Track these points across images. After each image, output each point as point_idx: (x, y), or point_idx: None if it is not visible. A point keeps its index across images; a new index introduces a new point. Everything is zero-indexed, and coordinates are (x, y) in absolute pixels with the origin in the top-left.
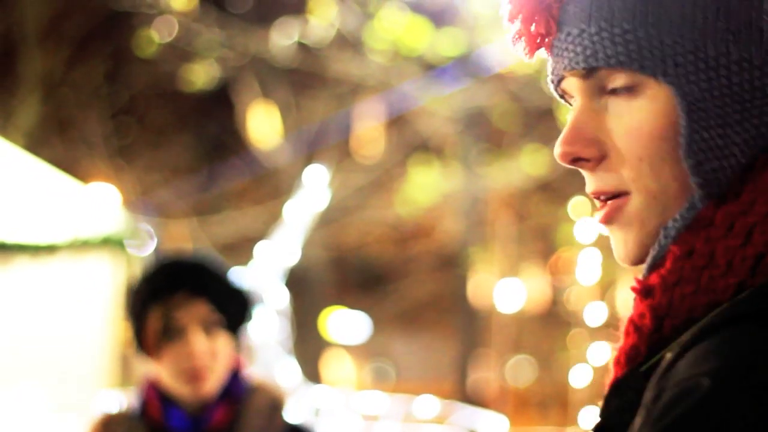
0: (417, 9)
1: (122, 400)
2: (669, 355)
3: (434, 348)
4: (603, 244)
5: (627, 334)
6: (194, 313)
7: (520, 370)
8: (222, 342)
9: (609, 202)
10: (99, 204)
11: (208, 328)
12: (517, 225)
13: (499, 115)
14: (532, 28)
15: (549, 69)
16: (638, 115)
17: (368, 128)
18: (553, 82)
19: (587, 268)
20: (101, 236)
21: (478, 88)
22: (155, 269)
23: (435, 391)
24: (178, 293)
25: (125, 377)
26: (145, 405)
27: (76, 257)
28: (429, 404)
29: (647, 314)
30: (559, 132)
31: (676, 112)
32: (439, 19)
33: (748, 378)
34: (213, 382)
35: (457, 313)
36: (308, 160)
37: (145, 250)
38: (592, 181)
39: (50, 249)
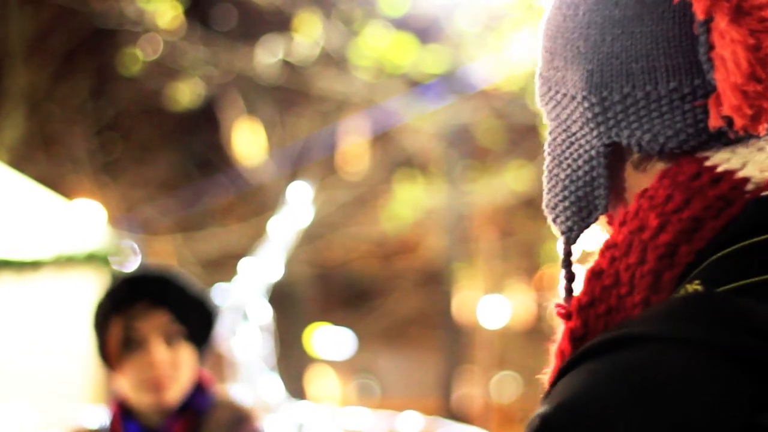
0: (401, 26)
1: (104, 417)
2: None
3: (419, 364)
4: (586, 260)
5: (553, 358)
6: (155, 323)
7: (504, 387)
8: (184, 353)
9: None
10: (83, 220)
11: (169, 339)
12: (501, 241)
13: (484, 132)
14: None
15: None
16: None
17: (353, 145)
18: None
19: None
20: (86, 252)
21: (462, 105)
22: (118, 282)
23: (420, 407)
24: (138, 304)
25: (109, 393)
26: (111, 421)
27: (60, 273)
28: (413, 420)
29: (566, 337)
30: (543, 148)
31: None
32: (423, 36)
33: (570, 423)
34: (175, 392)
35: (442, 330)
36: (293, 176)
37: (129, 267)
38: None
39: (35, 265)
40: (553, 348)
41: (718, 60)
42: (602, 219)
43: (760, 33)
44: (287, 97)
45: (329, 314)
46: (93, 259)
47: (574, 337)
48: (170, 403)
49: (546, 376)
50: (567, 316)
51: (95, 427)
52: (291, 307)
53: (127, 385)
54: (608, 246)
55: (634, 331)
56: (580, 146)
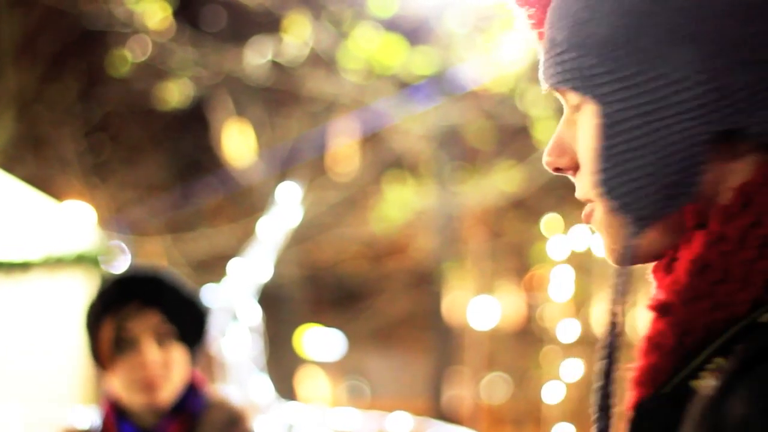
0: (391, 27)
1: (94, 417)
2: (709, 382)
3: (409, 365)
4: (576, 261)
5: (646, 353)
6: (146, 323)
7: (494, 388)
8: (176, 353)
9: (586, 207)
10: (73, 221)
11: (161, 339)
12: (491, 242)
13: (473, 133)
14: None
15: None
16: (584, 131)
17: (342, 146)
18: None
19: (560, 285)
20: (75, 254)
21: (452, 106)
22: (109, 282)
23: (410, 408)
24: (129, 304)
25: (100, 393)
26: (104, 421)
27: (49, 275)
28: (402, 421)
29: (668, 332)
30: (532, 149)
31: (600, 130)
32: (412, 37)
33: None
34: (167, 392)
35: (432, 330)
36: (282, 177)
37: (119, 268)
38: (576, 189)
39: (24, 266)
40: (646, 343)
41: None
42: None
43: None
44: (276, 98)
45: (319, 315)
46: (82, 260)
47: (679, 332)
48: (162, 404)
49: (632, 371)
50: (664, 311)
51: (86, 427)
52: (281, 308)
53: (119, 385)
54: (715, 240)
55: None
56: (684, 130)
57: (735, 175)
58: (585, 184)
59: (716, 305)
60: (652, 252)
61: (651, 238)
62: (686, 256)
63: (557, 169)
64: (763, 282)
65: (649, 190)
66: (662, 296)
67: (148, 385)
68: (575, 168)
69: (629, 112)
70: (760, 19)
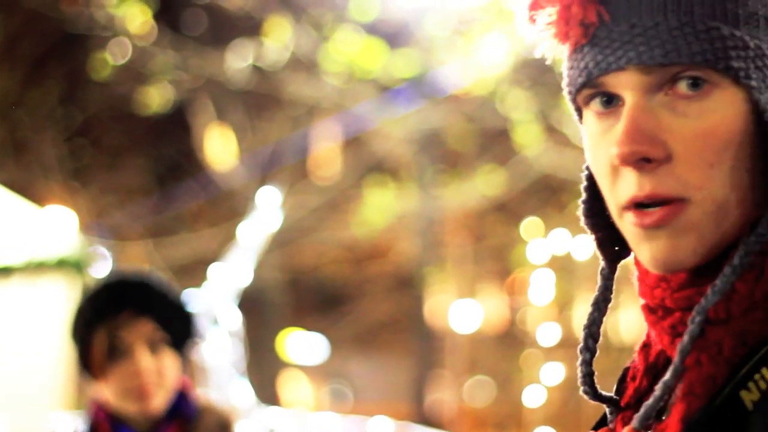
0: (371, 31)
1: (75, 423)
2: None
3: (391, 369)
4: (556, 264)
5: (698, 363)
6: (139, 331)
7: (477, 391)
8: (168, 360)
9: (662, 206)
10: (54, 226)
11: (153, 347)
12: (472, 245)
13: (454, 136)
14: (574, 16)
15: (584, 62)
16: (712, 118)
17: (324, 149)
18: (582, 77)
19: (541, 289)
20: (56, 258)
21: (432, 110)
22: (98, 289)
23: (392, 411)
24: (122, 313)
25: (80, 400)
26: (94, 427)
27: (30, 280)
28: (384, 425)
29: (726, 342)
30: (513, 152)
31: (752, 118)
32: (393, 40)
33: None
34: (160, 399)
35: (414, 334)
36: (264, 181)
37: (100, 273)
38: (647, 184)
39: (5, 271)
40: (698, 353)
41: None
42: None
43: None
44: (257, 101)
45: (301, 319)
46: (64, 265)
47: (739, 342)
48: (156, 411)
49: (701, 377)
50: (723, 320)
51: None
52: (262, 312)
53: (111, 393)
54: None
55: None
56: None
57: None
58: (681, 178)
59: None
60: (714, 254)
61: (726, 238)
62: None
63: (640, 161)
64: None
65: None
66: (721, 305)
67: (142, 394)
68: (662, 160)
69: None
70: None
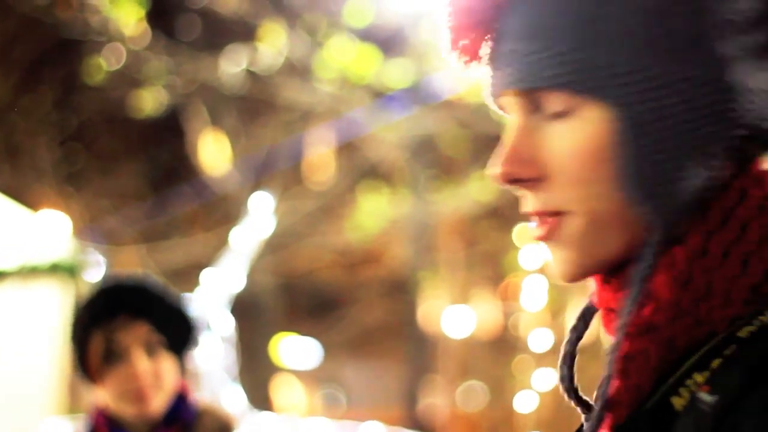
0: (366, 37)
1: (70, 428)
2: (705, 397)
3: (385, 373)
4: (549, 270)
5: (625, 372)
6: (135, 334)
7: (470, 396)
8: (165, 363)
9: (549, 220)
10: (48, 231)
11: (150, 350)
12: (466, 251)
13: (448, 142)
14: (465, 41)
15: (488, 82)
16: (577, 136)
17: (317, 155)
18: (492, 95)
19: (533, 295)
20: (50, 263)
21: (426, 115)
22: (96, 293)
23: (385, 416)
24: (119, 316)
25: (73, 404)
26: (92, 431)
27: (24, 284)
28: (375, 431)
29: (651, 351)
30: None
31: (615, 135)
32: (387, 47)
33: None
34: (158, 402)
35: (407, 339)
36: (257, 186)
37: (94, 277)
38: (531, 201)
39: None
40: (624, 362)
41: None
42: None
43: None
44: (252, 107)
45: (294, 324)
46: (57, 269)
47: (665, 350)
48: (154, 414)
49: (608, 392)
50: (647, 329)
51: None
52: (256, 317)
53: (109, 397)
54: (695, 255)
55: None
56: (712, 132)
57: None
58: (558, 194)
59: (699, 322)
60: (608, 264)
61: (615, 247)
62: (668, 272)
63: (514, 181)
64: (743, 299)
65: (677, 194)
66: (641, 315)
67: (139, 397)
68: (538, 179)
69: (654, 114)
70: None
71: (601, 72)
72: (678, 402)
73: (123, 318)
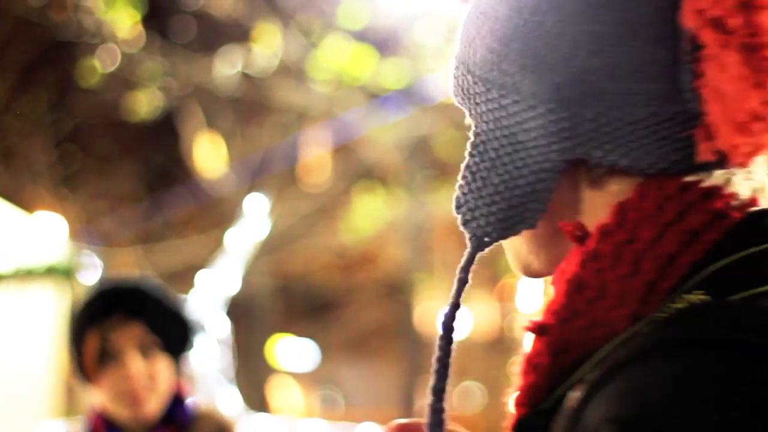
0: (360, 38)
1: (67, 430)
2: (575, 394)
3: (381, 374)
4: None
5: (525, 373)
6: (130, 335)
7: (467, 397)
8: (161, 364)
9: None
10: (44, 233)
11: (145, 351)
12: (461, 252)
13: (443, 143)
14: None
15: None
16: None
17: (313, 156)
18: None
19: (530, 296)
20: (45, 265)
21: (421, 117)
22: (93, 294)
23: (383, 417)
24: (113, 316)
25: (70, 407)
26: None
27: (20, 287)
28: None
29: (544, 352)
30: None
31: (473, 149)
32: (382, 48)
33: (648, 424)
34: (153, 404)
35: (404, 340)
36: (253, 188)
37: (90, 280)
38: None
39: None
40: (525, 363)
41: (711, 93)
42: (527, 234)
43: (765, 72)
44: (247, 108)
45: (291, 325)
46: (53, 272)
47: (555, 351)
48: (148, 416)
49: (514, 392)
50: (541, 331)
51: None
52: (252, 319)
53: (104, 398)
54: (590, 258)
55: (698, 335)
56: (529, 156)
57: (610, 196)
58: None
59: (594, 322)
60: (543, 268)
61: (531, 253)
62: (563, 276)
63: None
64: (639, 297)
65: (493, 209)
66: (540, 316)
67: (133, 399)
68: None
69: (495, 133)
70: (608, 52)
71: (468, 90)
72: (573, 396)
73: (118, 318)
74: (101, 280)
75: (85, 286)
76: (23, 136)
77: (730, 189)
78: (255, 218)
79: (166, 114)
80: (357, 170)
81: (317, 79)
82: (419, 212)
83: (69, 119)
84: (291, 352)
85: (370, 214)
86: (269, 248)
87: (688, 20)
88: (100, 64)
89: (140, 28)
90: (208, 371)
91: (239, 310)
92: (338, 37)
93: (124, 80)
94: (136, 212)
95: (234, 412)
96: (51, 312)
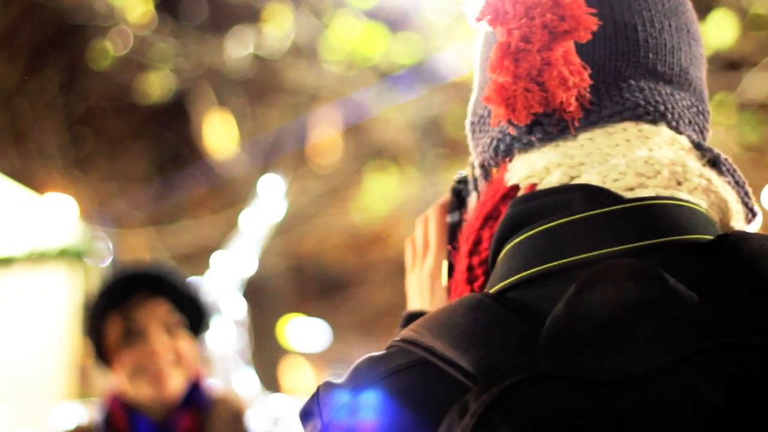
0: (371, 17)
1: (81, 413)
2: None
3: None
4: None
5: None
6: (154, 312)
7: None
8: (185, 343)
9: None
10: (56, 215)
11: (170, 329)
12: None
13: (455, 123)
14: None
15: None
16: None
17: (324, 136)
18: None
19: None
20: (58, 248)
21: (433, 96)
22: (111, 280)
23: None
24: (136, 295)
25: (83, 389)
26: (109, 417)
27: (32, 269)
28: None
29: None
30: None
31: None
32: (393, 27)
33: None
34: (176, 382)
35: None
36: (265, 169)
37: (102, 261)
38: None
39: (7, 261)
40: None
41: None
42: None
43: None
44: (258, 89)
45: (303, 306)
46: (65, 254)
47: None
48: (171, 396)
49: None
50: None
51: (85, 424)
52: (264, 299)
53: (126, 379)
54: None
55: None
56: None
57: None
58: None
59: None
60: None
61: None
62: None
63: None
64: (482, 272)
65: None
66: None
67: (158, 376)
68: None
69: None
70: (479, 68)
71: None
72: None
73: (140, 296)
74: (116, 266)
75: (98, 268)
76: (35, 118)
77: (514, 180)
78: (270, 199)
79: (177, 95)
80: (369, 150)
81: (329, 59)
82: (431, 191)
83: (81, 102)
84: (303, 332)
85: (382, 194)
86: (281, 229)
87: None
88: (112, 47)
89: (152, 9)
90: (225, 353)
91: (250, 290)
92: (349, 16)
93: (135, 62)
94: (147, 194)
95: (251, 393)
96: (64, 294)
